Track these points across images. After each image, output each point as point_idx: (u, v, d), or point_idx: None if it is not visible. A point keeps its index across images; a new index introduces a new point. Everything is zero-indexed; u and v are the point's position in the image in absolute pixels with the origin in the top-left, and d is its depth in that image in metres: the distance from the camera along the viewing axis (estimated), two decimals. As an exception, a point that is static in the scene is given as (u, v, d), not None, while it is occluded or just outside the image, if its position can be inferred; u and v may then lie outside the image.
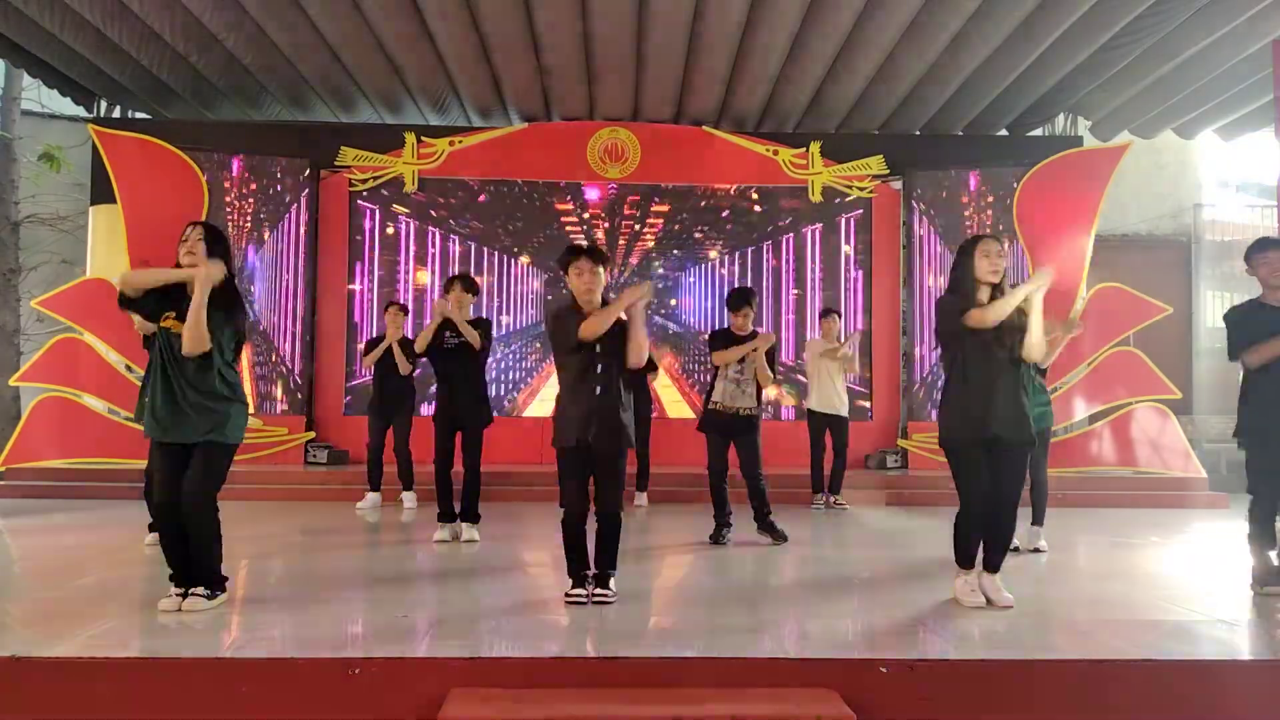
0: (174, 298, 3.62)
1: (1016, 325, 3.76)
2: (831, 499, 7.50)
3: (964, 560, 3.89)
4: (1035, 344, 3.76)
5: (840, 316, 7.90)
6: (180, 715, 2.83)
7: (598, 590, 3.82)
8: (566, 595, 3.81)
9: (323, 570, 4.80)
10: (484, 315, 5.99)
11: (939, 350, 4.12)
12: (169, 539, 3.67)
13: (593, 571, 3.89)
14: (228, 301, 3.70)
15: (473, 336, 5.41)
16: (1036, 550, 5.35)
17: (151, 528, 5.28)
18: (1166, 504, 8.04)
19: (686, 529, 6.09)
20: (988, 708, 2.93)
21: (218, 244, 3.71)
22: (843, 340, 7.58)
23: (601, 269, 3.91)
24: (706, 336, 5.64)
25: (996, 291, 3.88)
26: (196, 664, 2.92)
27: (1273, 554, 4.17)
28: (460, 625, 3.49)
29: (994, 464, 3.79)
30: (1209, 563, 5.25)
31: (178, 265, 3.67)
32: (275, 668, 2.92)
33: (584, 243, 4.25)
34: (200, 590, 3.61)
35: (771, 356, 5.59)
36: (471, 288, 5.71)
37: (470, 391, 5.56)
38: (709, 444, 5.65)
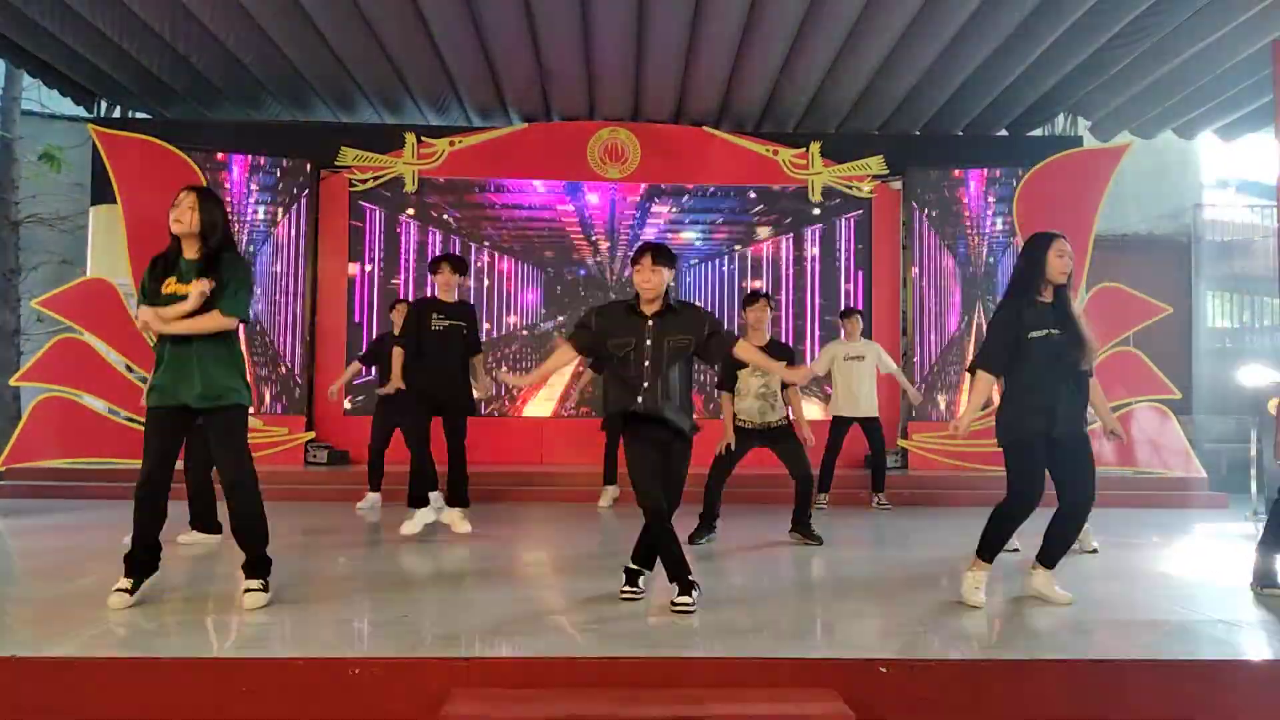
0: (171, 262, 3.66)
1: (1081, 338, 3.80)
2: (876, 499, 7.57)
3: (990, 551, 3.88)
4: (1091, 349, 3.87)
5: (862, 316, 7.76)
6: (180, 715, 2.83)
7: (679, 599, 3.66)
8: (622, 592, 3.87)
9: (323, 570, 4.79)
10: (472, 304, 5.82)
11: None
12: (144, 522, 3.63)
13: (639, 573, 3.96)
14: (233, 271, 3.65)
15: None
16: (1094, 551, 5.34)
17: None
18: (1166, 504, 8.05)
19: (683, 529, 6.05)
20: (988, 708, 2.93)
21: (212, 211, 3.65)
22: (863, 335, 7.57)
23: (666, 270, 3.95)
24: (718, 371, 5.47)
25: (1060, 292, 3.92)
26: (196, 664, 2.92)
27: (1278, 556, 4.17)
28: (460, 625, 3.49)
29: (1062, 464, 3.85)
30: (1209, 563, 5.25)
31: (170, 232, 3.65)
32: (275, 668, 2.92)
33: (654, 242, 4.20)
34: (254, 584, 3.63)
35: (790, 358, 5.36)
36: (460, 268, 5.63)
37: (453, 375, 5.52)
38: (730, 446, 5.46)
